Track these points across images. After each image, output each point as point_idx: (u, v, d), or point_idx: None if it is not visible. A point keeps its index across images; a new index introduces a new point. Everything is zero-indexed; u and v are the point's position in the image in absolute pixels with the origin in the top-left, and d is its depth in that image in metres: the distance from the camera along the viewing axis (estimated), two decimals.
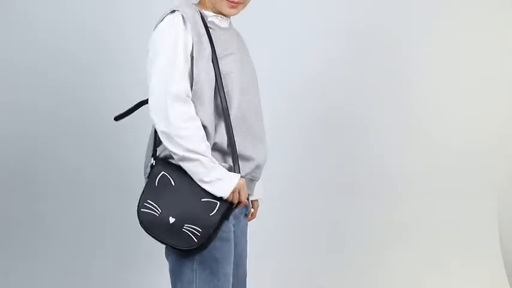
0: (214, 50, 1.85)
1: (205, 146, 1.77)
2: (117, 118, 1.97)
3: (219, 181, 1.78)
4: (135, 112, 3.05)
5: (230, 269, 1.88)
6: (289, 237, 3.43)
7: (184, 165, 1.78)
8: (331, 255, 3.49)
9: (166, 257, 1.91)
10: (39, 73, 3.27)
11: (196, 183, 1.78)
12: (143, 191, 1.83)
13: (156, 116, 1.79)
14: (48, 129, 3.28)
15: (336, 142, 3.49)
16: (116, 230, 3.35)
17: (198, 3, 1.97)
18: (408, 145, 3.54)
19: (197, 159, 1.76)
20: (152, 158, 1.86)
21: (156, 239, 1.81)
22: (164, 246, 1.89)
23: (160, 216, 1.79)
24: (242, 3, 1.93)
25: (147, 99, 1.85)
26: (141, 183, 3.32)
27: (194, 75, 1.80)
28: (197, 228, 1.77)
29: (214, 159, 1.80)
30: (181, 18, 1.83)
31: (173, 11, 1.85)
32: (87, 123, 3.30)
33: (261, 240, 2.95)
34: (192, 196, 1.79)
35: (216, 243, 1.82)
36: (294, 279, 3.41)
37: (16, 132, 3.26)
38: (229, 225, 1.87)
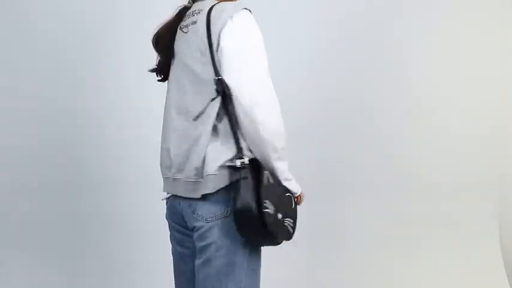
0: None
1: None
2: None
3: (293, 179, 1.94)
4: (138, 114, 3.03)
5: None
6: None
7: (278, 164, 1.88)
8: (331, 255, 3.49)
9: (206, 261, 1.90)
10: (38, 72, 3.27)
11: (278, 180, 1.89)
12: (253, 192, 1.82)
13: (270, 116, 1.84)
14: (48, 129, 3.28)
15: (336, 142, 3.49)
16: (117, 230, 3.35)
17: None
18: (408, 145, 3.54)
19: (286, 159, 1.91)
20: (241, 160, 1.84)
21: (274, 237, 1.87)
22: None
23: (274, 214, 1.85)
24: None
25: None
26: (141, 182, 3.33)
27: None
28: (291, 220, 1.91)
29: None
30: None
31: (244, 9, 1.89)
32: (87, 123, 3.30)
33: None
34: (282, 192, 1.90)
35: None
36: (294, 279, 3.41)
37: (16, 132, 3.26)
38: None
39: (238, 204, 1.80)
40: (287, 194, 1.91)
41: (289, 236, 1.91)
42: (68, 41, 3.27)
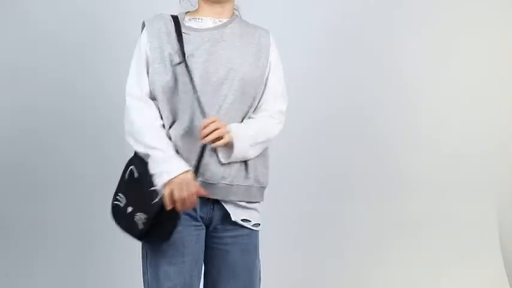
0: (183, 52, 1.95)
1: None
2: None
3: (157, 174, 1.87)
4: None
5: (175, 271, 1.95)
6: (289, 237, 3.43)
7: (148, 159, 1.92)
8: (331, 255, 3.49)
9: None
10: (39, 71, 3.26)
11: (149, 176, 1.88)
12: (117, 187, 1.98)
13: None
14: (48, 129, 3.27)
15: (336, 143, 3.49)
16: (117, 230, 3.34)
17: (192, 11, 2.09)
18: (408, 146, 3.54)
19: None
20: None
21: (120, 227, 1.96)
22: None
23: (123, 207, 1.92)
24: None
25: None
26: None
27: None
28: (143, 215, 1.87)
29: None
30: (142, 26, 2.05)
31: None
32: (87, 123, 3.30)
33: (261, 240, 2.94)
34: (146, 185, 1.87)
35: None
36: (294, 278, 3.41)
37: (16, 132, 3.26)
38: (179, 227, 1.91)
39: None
40: (151, 189, 1.86)
41: (137, 231, 1.89)
42: (68, 40, 3.27)
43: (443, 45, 3.53)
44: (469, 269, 3.48)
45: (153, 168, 1.87)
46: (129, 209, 1.89)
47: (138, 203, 1.88)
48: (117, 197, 1.92)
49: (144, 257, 2.03)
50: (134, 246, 3.34)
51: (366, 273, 3.48)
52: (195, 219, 1.96)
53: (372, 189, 3.51)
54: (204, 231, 1.99)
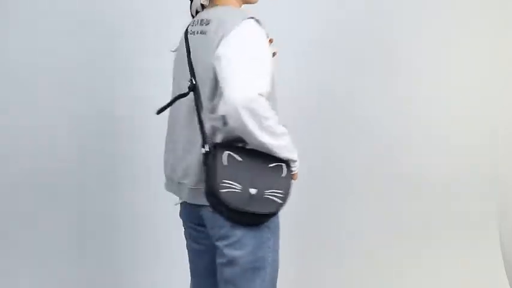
0: None
1: None
2: (159, 112, 2.05)
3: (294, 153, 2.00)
4: (138, 111, 3.05)
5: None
6: (289, 237, 3.43)
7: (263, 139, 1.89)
8: (331, 255, 3.49)
9: (231, 261, 1.96)
10: (40, 71, 3.26)
11: (259, 155, 1.91)
12: (210, 174, 1.88)
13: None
14: (49, 129, 3.27)
15: (336, 142, 3.49)
16: (117, 230, 3.35)
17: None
18: (408, 146, 3.54)
19: None
20: (205, 147, 1.93)
21: (242, 213, 1.88)
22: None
23: (242, 191, 1.87)
24: None
25: (184, 94, 2.01)
26: (142, 182, 3.34)
27: None
28: (278, 191, 1.91)
29: None
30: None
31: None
32: (88, 122, 3.30)
33: None
34: (262, 165, 1.91)
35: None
36: (292, 278, 3.41)
37: (16, 132, 3.26)
38: None
39: (204, 191, 1.90)
40: (273, 165, 1.92)
41: (275, 208, 1.92)
42: (73, 40, 3.27)
43: (444, 45, 3.53)
44: (469, 269, 3.48)
45: (288, 149, 1.95)
46: (253, 191, 1.88)
47: (262, 182, 1.90)
48: (225, 185, 1.86)
49: (269, 247, 1.99)
50: (134, 246, 3.36)
51: (365, 273, 3.48)
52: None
53: (371, 188, 3.51)
54: None
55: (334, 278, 3.48)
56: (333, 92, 3.47)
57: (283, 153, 1.93)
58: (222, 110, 1.87)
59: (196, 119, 1.98)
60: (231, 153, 1.89)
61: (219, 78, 1.89)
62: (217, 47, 1.91)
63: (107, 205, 3.32)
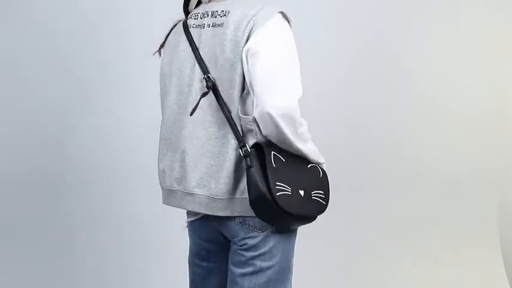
0: None
1: None
2: (191, 113, 1.81)
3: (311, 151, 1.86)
4: (141, 113, 3.01)
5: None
6: None
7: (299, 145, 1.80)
8: (330, 255, 3.50)
9: (256, 271, 1.85)
10: (42, 72, 3.26)
11: (297, 156, 1.80)
12: (256, 178, 1.71)
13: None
14: (49, 129, 3.27)
15: (335, 142, 3.49)
16: (117, 230, 3.35)
17: None
18: (408, 145, 3.54)
19: None
20: (244, 149, 1.75)
21: (303, 216, 1.80)
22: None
23: (293, 194, 1.75)
24: None
25: (205, 93, 1.78)
26: (143, 182, 3.33)
27: None
28: (320, 192, 1.82)
29: None
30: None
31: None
32: (89, 123, 3.30)
33: None
34: (302, 166, 1.81)
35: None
36: (294, 278, 3.41)
37: (17, 131, 3.26)
38: None
39: (251, 196, 1.71)
40: (310, 166, 1.83)
41: (321, 209, 1.82)
42: (72, 40, 3.27)
43: (447, 46, 3.54)
44: (469, 268, 3.48)
45: (314, 150, 1.86)
46: (302, 192, 1.76)
47: (307, 183, 1.78)
48: (278, 187, 1.70)
49: (293, 255, 1.93)
50: (134, 246, 3.36)
51: (366, 272, 3.48)
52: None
53: (372, 188, 3.51)
54: None
55: (335, 278, 3.48)
56: (332, 92, 3.47)
57: (315, 157, 1.85)
58: (256, 114, 1.73)
59: (220, 118, 1.78)
60: (276, 153, 1.75)
61: (252, 76, 1.73)
62: (247, 40, 1.74)
63: (106, 205, 3.33)
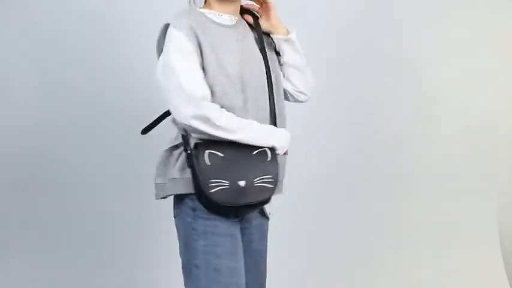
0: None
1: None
2: (144, 131, 2.09)
3: (263, 138, 1.95)
4: (138, 114, 3.01)
5: (238, 265, 1.93)
6: (289, 237, 3.43)
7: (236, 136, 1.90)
8: (330, 254, 3.49)
9: (180, 255, 1.98)
10: (43, 73, 3.26)
11: (241, 145, 1.89)
12: (197, 178, 1.86)
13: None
14: (50, 129, 3.27)
15: (335, 142, 3.50)
16: (117, 230, 3.34)
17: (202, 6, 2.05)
18: (408, 145, 3.54)
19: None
20: (186, 151, 1.90)
21: (237, 208, 1.88)
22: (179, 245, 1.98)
23: (231, 186, 1.85)
24: None
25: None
26: (143, 182, 3.33)
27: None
28: (267, 176, 1.89)
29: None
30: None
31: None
32: (90, 123, 3.30)
33: None
34: (245, 155, 1.89)
35: (217, 239, 1.90)
36: (294, 278, 3.41)
37: (17, 132, 3.26)
38: (228, 221, 1.93)
39: (195, 194, 1.88)
40: (256, 152, 1.90)
41: (267, 193, 1.89)
42: (70, 40, 3.27)
43: (447, 44, 3.53)
44: (469, 268, 3.48)
45: (253, 136, 1.90)
46: (242, 183, 1.86)
47: (250, 172, 1.88)
48: (212, 185, 1.84)
49: (200, 254, 1.93)
50: (134, 246, 3.35)
51: (365, 273, 3.48)
52: (236, 216, 1.99)
53: (372, 189, 3.51)
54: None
55: (335, 278, 3.48)
56: (332, 92, 3.47)
57: (259, 143, 1.91)
58: (176, 121, 1.93)
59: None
60: (212, 151, 1.87)
61: None
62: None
63: (106, 205, 3.33)
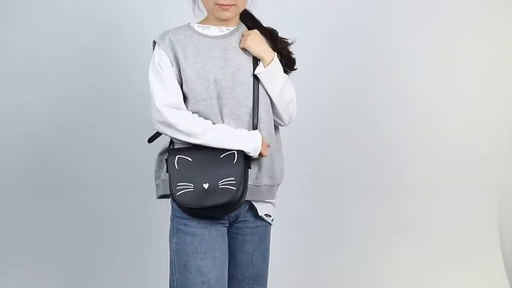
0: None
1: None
2: (150, 140, 2.23)
3: (231, 142, 2.06)
4: (139, 114, 3.02)
5: (208, 263, 2.04)
6: (289, 237, 3.43)
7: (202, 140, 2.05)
8: (330, 254, 3.49)
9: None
10: (43, 73, 3.26)
11: (210, 149, 2.03)
12: (169, 181, 2.02)
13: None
14: (51, 130, 3.27)
15: (335, 142, 3.50)
16: (117, 230, 3.35)
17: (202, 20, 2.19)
18: (408, 145, 3.54)
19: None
20: (165, 155, 2.10)
21: (200, 210, 2.00)
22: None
23: (195, 189, 1.98)
24: (234, 5, 2.09)
25: None
26: (143, 183, 3.34)
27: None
28: (230, 178, 1.99)
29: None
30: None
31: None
32: (90, 123, 3.30)
33: None
34: (213, 158, 2.02)
35: (186, 237, 2.04)
36: (294, 278, 3.41)
37: (18, 132, 3.26)
38: (203, 221, 2.05)
39: (171, 196, 2.03)
40: (224, 155, 2.02)
41: (230, 195, 1.97)
42: (71, 40, 3.27)
43: (444, 46, 3.53)
44: (469, 269, 3.48)
45: (218, 139, 2.03)
46: (206, 185, 1.99)
47: (214, 174, 2.00)
48: (178, 188, 1.99)
49: (173, 251, 2.09)
50: (134, 246, 3.35)
51: (365, 273, 3.48)
52: (223, 218, 2.09)
53: (371, 188, 3.51)
54: (227, 227, 2.13)
55: (335, 278, 3.47)
56: (332, 92, 3.47)
57: (225, 146, 2.03)
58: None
59: None
60: (181, 156, 2.02)
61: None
62: None
63: (107, 205, 3.32)
